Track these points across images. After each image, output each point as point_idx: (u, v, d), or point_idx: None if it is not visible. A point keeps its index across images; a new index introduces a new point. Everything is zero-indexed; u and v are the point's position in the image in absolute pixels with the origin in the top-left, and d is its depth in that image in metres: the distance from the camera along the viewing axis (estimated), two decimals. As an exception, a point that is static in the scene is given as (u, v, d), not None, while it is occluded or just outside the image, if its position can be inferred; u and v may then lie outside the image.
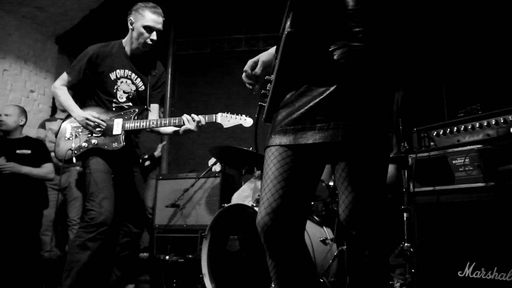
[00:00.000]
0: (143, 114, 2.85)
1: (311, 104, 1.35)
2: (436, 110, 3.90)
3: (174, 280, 3.53)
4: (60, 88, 2.73)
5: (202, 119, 2.67)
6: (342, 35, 1.36)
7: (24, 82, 5.00)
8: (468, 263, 2.18)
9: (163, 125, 2.73)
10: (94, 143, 2.68)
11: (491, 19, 3.82)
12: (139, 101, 2.85)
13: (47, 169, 3.95)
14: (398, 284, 2.63)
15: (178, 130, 2.77)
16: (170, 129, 2.84)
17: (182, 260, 3.61)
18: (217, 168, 4.07)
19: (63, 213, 4.40)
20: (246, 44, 5.19)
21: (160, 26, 2.74)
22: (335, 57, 1.34)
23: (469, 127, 2.38)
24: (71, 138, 2.70)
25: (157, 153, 4.69)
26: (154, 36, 2.72)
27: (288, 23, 1.33)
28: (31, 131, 4.53)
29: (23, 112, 4.02)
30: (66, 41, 5.44)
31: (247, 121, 2.77)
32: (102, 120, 2.66)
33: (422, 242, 2.41)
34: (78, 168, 4.45)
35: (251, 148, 3.58)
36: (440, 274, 2.28)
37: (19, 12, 4.84)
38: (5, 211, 3.70)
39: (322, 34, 1.38)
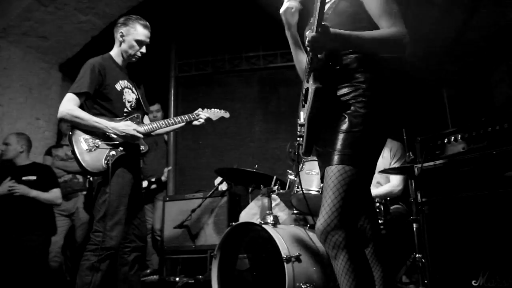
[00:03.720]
0: (142, 119, 2.93)
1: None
2: (439, 118, 3.90)
3: (185, 302, 3.50)
4: (77, 109, 2.64)
5: (205, 116, 3.10)
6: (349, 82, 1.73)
7: (30, 110, 5.05)
8: (482, 272, 2.16)
9: (171, 124, 2.95)
10: (121, 149, 2.69)
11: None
12: (138, 109, 2.93)
13: (55, 194, 3.96)
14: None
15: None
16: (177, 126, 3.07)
17: (192, 281, 3.59)
18: (223, 187, 4.07)
19: (72, 239, 4.40)
20: (246, 62, 5.23)
21: (148, 40, 2.87)
22: (351, 106, 1.69)
23: (474, 134, 2.38)
24: (93, 150, 2.65)
25: (164, 178, 4.70)
26: (143, 49, 2.85)
27: (311, 81, 1.71)
28: (37, 158, 4.56)
29: (23, 138, 4.01)
30: (69, 68, 5.50)
31: (226, 113, 3.29)
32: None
33: (433, 252, 2.39)
34: (85, 193, 4.47)
35: (256, 167, 3.60)
36: (453, 284, 2.25)
37: (23, 42, 4.93)
38: (12, 237, 3.71)
39: (334, 85, 1.75)
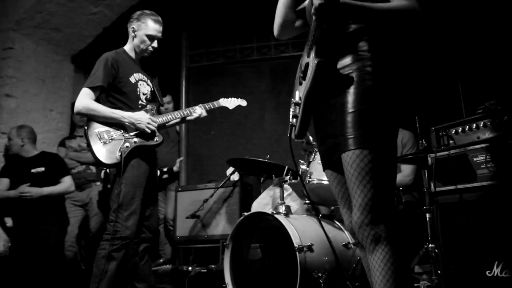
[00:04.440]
0: (158, 111, 2.97)
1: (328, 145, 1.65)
2: (453, 107, 3.84)
3: (198, 291, 3.54)
4: (92, 102, 2.69)
5: (212, 106, 3.16)
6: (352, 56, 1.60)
7: (43, 101, 5.10)
8: (496, 262, 2.13)
9: (185, 114, 2.99)
10: (135, 141, 2.73)
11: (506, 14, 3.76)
12: (154, 101, 2.99)
13: (66, 184, 3.96)
14: (424, 286, 2.58)
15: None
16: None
17: (205, 270, 3.62)
18: (235, 177, 4.08)
19: (86, 229, 4.47)
20: (258, 52, 5.20)
21: (160, 35, 2.90)
22: (355, 78, 1.56)
23: (489, 124, 2.34)
24: (107, 142, 2.69)
25: (175, 168, 4.73)
26: (155, 44, 2.89)
27: (313, 54, 1.58)
28: (51, 149, 4.62)
29: (23, 131, 3.98)
30: (81, 59, 5.55)
31: (244, 102, 3.36)
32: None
33: (447, 242, 2.37)
34: (98, 183, 4.53)
35: (267, 157, 3.60)
36: (467, 274, 2.23)
37: (36, 34, 4.97)
38: (28, 228, 3.77)
39: (336, 58, 1.62)
